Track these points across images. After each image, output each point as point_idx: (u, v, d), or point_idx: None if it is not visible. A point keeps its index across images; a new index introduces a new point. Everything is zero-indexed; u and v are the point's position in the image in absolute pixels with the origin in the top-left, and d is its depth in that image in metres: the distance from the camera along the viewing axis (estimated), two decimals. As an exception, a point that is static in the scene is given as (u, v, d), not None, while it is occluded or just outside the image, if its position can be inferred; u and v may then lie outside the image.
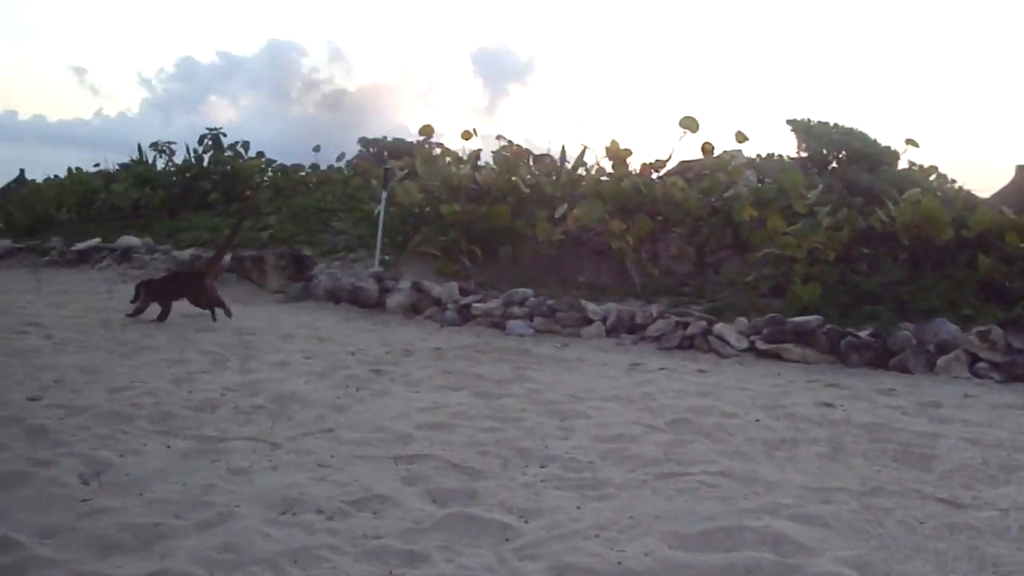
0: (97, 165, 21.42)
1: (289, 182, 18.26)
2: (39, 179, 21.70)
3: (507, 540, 3.62)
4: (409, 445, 4.87)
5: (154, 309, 8.90)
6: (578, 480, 4.39)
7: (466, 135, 13.83)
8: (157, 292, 9.00)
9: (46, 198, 19.28)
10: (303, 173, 19.19)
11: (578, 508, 3.98)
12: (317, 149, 19.92)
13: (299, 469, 4.39)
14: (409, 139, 22.34)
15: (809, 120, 18.31)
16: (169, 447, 4.70)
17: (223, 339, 7.88)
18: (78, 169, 22.01)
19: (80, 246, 14.47)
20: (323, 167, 19.60)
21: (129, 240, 13.93)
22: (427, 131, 13.93)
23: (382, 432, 5.09)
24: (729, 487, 4.34)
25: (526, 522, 3.81)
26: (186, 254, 12.31)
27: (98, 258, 13.94)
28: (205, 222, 15.72)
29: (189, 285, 9.15)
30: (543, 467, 4.61)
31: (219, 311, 8.98)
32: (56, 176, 21.23)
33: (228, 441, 4.83)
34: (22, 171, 24.28)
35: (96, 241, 14.62)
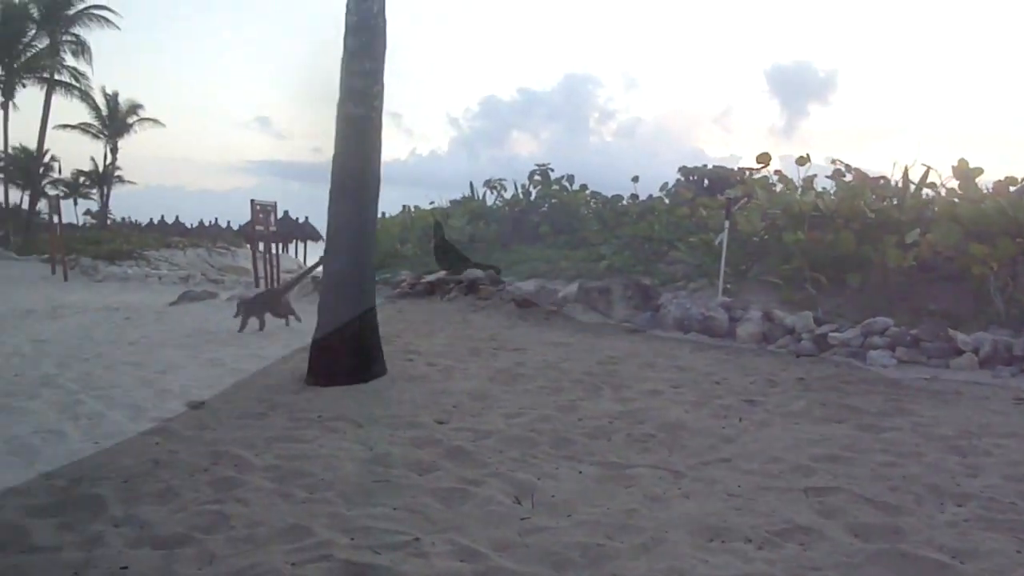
0: (432, 203, 23.12)
1: (612, 213, 18.73)
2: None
3: (949, 580, 3.53)
4: (811, 477, 4.86)
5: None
6: (1006, 521, 4.19)
7: (801, 161, 13.61)
8: (250, 307, 11.36)
9: (391, 234, 21.02)
10: (623, 203, 19.60)
11: (1018, 552, 3.80)
12: (636, 180, 20.32)
13: (711, 498, 4.51)
14: (729, 166, 22.21)
15: None
16: (580, 472, 4.99)
17: (588, 367, 8.22)
18: (416, 207, 23.88)
19: (429, 278, 15.61)
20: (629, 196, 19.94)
21: (474, 272, 14.85)
22: (764, 159, 13.84)
23: (779, 463, 5.11)
24: None
25: (961, 563, 3.69)
26: (530, 285, 12.92)
27: (446, 289, 14.97)
28: (539, 253, 16.48)
29: (271, 301, 11.57)
30: (960, 506, 4.43)
31: (281, 318, 11.54)
32: (384, 213, 23.10)
33: (633, 468, 5.05)
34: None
35: (442, 274, 15.70)
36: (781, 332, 9.61)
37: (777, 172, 13.92)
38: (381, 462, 5.15)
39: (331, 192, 7.55)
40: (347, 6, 7.42)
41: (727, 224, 11.37)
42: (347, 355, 7.46)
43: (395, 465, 5.09)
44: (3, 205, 45.88)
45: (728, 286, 11.40)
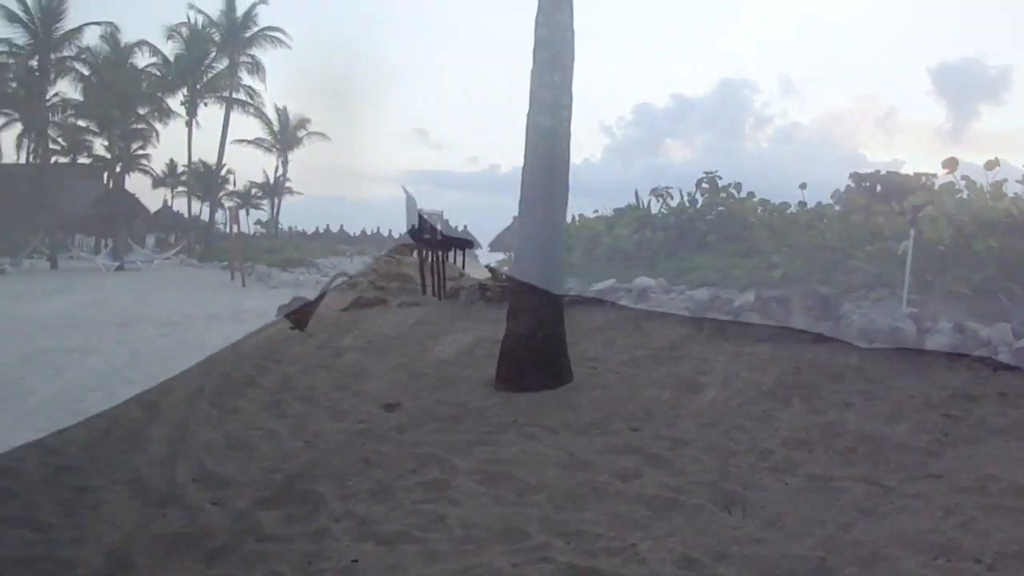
0: (596, 211, 23.18)
1: (781, 221, 18.31)
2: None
3: None
4: (1035, 498, 4.65)
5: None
6: None
7: (990, 165, 12.98)
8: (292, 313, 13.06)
9: (554, 243, 21.13)
10: (790, 211, 19.15)
11: None
12: (803, 187, 19.79)
13: (928, 515, 4.37)
14: (894, 171, 21.37)
15: None
16: (786, 484, 4.93)
17: (773, 377, 8.04)
18: (580, 215, 23.99)
19: (597, 286, 15.61)
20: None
21: (644, 281, 14.77)
22: (951, 164, 13.26)
23: (996, 482, 4.89)
24: None
25: None
26: (704, 294, 12.76)
27: (615, 298, 14.96)
28: (709, 262, 16.24)
29: (308, 311, 13.07)
30: None
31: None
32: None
33: (837, 481, 4.97)
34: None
35: (611, 282, 15.69)
36: (975, 345, 9.15)
37: (964, 177, 13.30)
38: (583, 468, 5.24)
39: (520, 202, 7.72)
40: (536, 20, 7.56)
41: (912, 232, 10.93)
42: (536, 362, 7.59)
43: (598, 471, 5.17)
44: (186, 216, 48.81)
45: (912, 296, 10.97)
